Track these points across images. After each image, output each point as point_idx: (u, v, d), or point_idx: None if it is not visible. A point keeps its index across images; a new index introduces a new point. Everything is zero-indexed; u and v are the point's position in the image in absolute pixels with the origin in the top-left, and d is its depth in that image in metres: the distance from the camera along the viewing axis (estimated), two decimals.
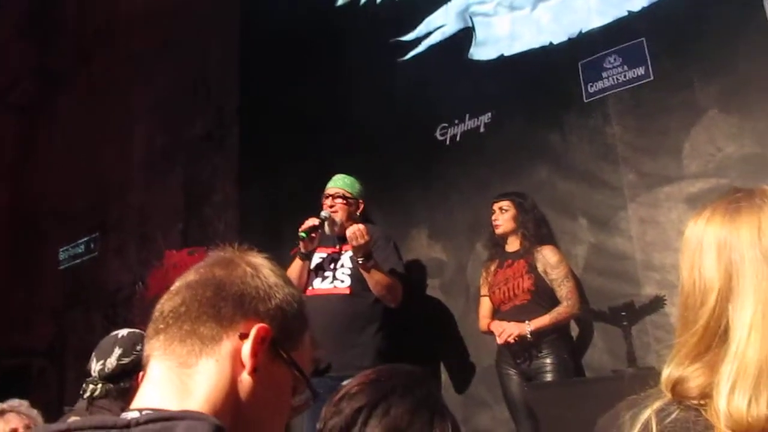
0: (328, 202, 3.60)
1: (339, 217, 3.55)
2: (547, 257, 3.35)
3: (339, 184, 3.66)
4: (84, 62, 7.28)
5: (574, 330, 3.48)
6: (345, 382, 1.30)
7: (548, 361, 3.22)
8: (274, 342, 0.87)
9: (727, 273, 0.92)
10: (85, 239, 6.75)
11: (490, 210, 3.52)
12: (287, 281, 0.94)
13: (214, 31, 5.93)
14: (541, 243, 3.41)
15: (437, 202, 4.20)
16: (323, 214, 3.52)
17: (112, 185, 6.62)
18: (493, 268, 3.53)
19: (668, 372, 0.93)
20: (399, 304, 3.46)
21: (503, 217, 3.46)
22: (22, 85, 8.08)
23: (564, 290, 3.32)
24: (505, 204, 3.47)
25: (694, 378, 0.90)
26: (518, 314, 3.31)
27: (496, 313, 3.45)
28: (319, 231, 3.49)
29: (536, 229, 3.44)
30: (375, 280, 3.38)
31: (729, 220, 0.96)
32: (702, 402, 0.88)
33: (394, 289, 3.43)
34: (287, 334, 0.90)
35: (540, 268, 3.34)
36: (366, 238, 3.32)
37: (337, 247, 3.58)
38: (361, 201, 3.67)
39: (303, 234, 3.42)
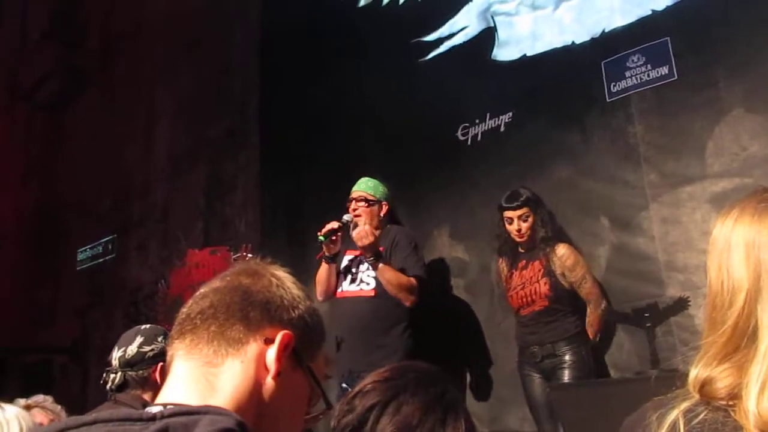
0: (351, 205, 3.64)
1: (362, 220, 3.56)
2: (563, 259, 3.32)
3: (362, 187, 3.69)
4: (109, 61, 7.36)
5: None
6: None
7: (567, 358, 3.22)
8: (295, 351, 0.91)
9: (756, 273, 0.91)
10: (104, 240, 6.83)
11: (500, 215, 3.45)
12: (308, 295, 0.99)
13: (237, 31, 5.97)
14: (555, 241, 3.38)
15: (459, 202, 4.19)
16: (345, 217, 3.57)
17: (135, 184, 6.69)
18: (505, 269, 3.52)
19: (696, 373, 0.93)
20: (414, 304, 3.47)
21: (525, 225, 3.38)
22: (48, 83, 8.18)
23: (584, 291, 3.32)
24: (524, 212, 3.38)
25: (723, 378, 0.89)
26: (538, 319, 3.33)
27: (516, 316, 3.46)
28: (341, 234, 3.52)
29: (552, 229, 3.41)
30: (386, 278, 3.42)
31: (758, 219, 0.94)
32: (731, 403, 0.87)
33: (406, 288, 3.44)
34: (307, 344, 0.94)
35: (557, 271, 3.31)
36: (371, 238, 3.37)
37: None
38: (384, 203, 3.69)
39: (322, 237, 3.46)
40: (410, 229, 3.85)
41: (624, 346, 3.43)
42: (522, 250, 3.46)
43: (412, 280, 3.47)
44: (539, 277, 3.34)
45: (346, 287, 3.59)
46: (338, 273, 3.63)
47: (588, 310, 3.34)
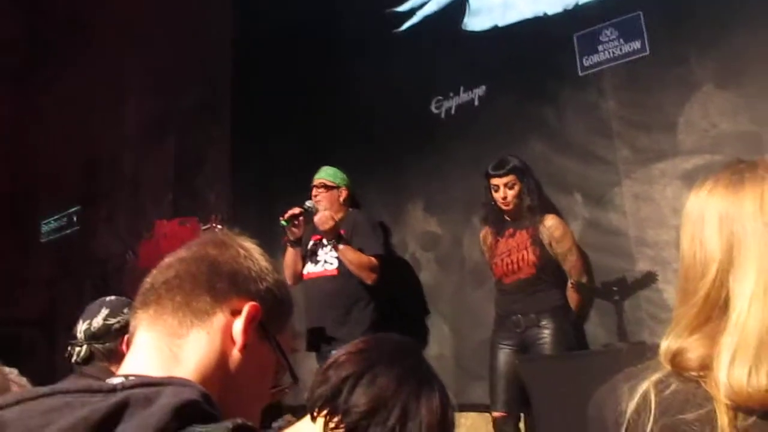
0: (314, 192, 3.84)
1: (322, 205, 3.77)
2: (552, 229, 3.33)
3: (322, 175, 3.90)
4: (77, 30, 7.18)
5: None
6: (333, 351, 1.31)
7: (547, 332, 3.21)
8: (262, 323, 0.89)
9: (729, 244, 0.91)
10: (68, 212, 6.73)
11: (487, 183, 3.45)
12: (275, 267, 0.96)
13: (210, 2, 5.85)
14: (543, 211, 3.39)
15: (432, 176, 4.18)
16: (307, 203, 3.76)
17: (103, 155, 6.58)
18: (490, 237, 3.51)
19: (667, 344, 0.93)
20: (375, 281, 3.64)
21: (512, 192, 3.37)
22: (12, 54, 7.97)
23: (568, 265, 3.34)
24: (510, 179, 3.37)
25: (694, 349, 0.90)
26: (523, 287, 3.32)
27: (498, 284, 3.45)
28: (302, 219, 3.70)
29: (539, 198, 3.42)
30: (347, 259, 3.62)
31: (732, 191, 0.95)
32: (702, 374, 0.88)
33: (367, 267, 3.63)
34: (275, 316, 0.92)
35: (545, 240, 3.32)
36: (331, 223, 3.58)
37: None
38: (344, 188, 3.90)
39: (284, 222, 3.66)
40: (368, 212, 4.04)
41: (591, 320, 3.47)
42: (508, 219, 3.45)
43: (373, 259, 3.66)
44: (528, 245, 3.33)
45: (311, 269, 3.80)
46: (303, 257, 3.83)
47: (569, 283, 3.35)
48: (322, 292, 3.68)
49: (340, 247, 3.61)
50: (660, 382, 0.91)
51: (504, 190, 3.38)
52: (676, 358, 0.91)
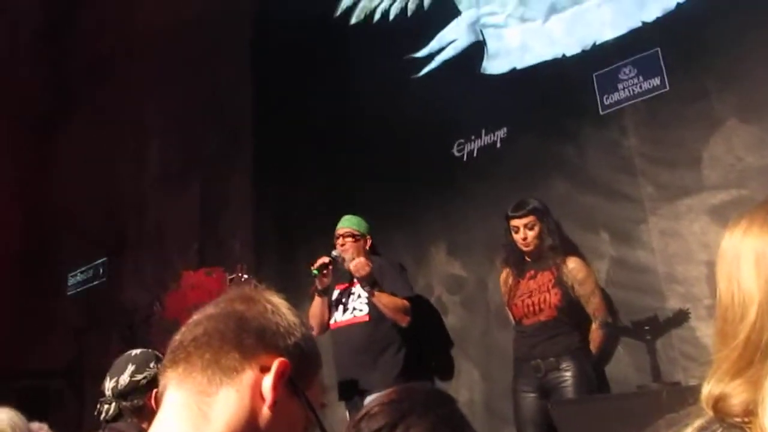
0: (339, 241, 3.84)
1: (349, 254, 3.76)
2: (574, 272, 3.30)
3: (346, 224, 3.90)
4: (99, 80, 7.33)
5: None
6: (369, 398, 1.29)
7: (568, 374, 3.16)
8: (291, 378, 0.89)
9: None
10: (95, 263, 6.79)
11: (507, 225, 3.44)
12: (303, 322, 0.97)
13: (228, 49, 5.96)
14: (565, 253, 3.36)
15: (455, 219, 4.18)
16: (334, 253, 3.78)
17: (127, 204, 6.65)
18: (510, 279, 3.48)
19: (709, 389, 0.90)
20: (409, 323, 3.62)
21: (531, 234, 3.36)
22: (36, 101, 8.15)
23: (592, 306, 3.29)
24: (530, 220, 3.36)
25: (737, 395, 0.87)
26: (543, 330, 3.27)
27: (517, 326, 3.41)
28: (331, 268, 3.71)
29: (560, 239, 3.39)
30: (383, 303, 3.62)
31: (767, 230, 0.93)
32: (746, 420, 0.85)
33: (401, 311, 3.63)
34: (303, 372, 0.92)
35: (568, 282, 3.28)
36: (367, 269, 3.61)
37: (352, 281, 3.79)
38: (368, 237, 3.90)
39: (315, 271, 3.66)
40: (392, 256, 4.06)
41: (622, 360, 3.41)
42: (529, 260, 3.43)
43: (405, 301, 3.65)
44: (550, 287, 3.29)
45: (340, 317, 3.78)
46: (329, 306, 3.83)
47: (593, 325, 3.31)
48: (352, 339, 3.66)
49: (376, 292, 3.61)
50: (703, 428, 0.88)
51: (524, 231, 3.37)
52: (718, 403, 0.88)
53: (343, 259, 3.75)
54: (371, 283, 3.63)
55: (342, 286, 3.83)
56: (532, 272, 3.39)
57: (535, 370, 3.25)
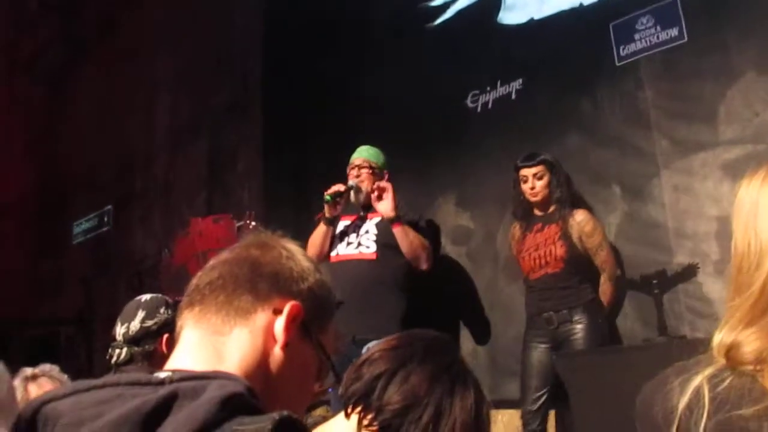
0: (354, 172, 3.64)
1: (365, 186, 3.58)
2: (582, 224, 3.27)
3: (364, 155, 3.69)
4: (108, 31, 7.27)
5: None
6: (368, 345, 1.28)
7: (580, 326, 3.16)
8: (304, 322, 0.91)
9: None
10: (99, 212, 6.83)
11: (516, 176, 3.41)
12: (318, 268, 0.98)
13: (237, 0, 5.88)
14: (573, 206, 3.33)
15: (466, 171, 4.14)
16: (350, 182, 3.57)
17: (137, 154, 6.66)
18: (518, 232, 3.46)
19: (721, 337, 0.89)
20: (429, 268, 3.49)
21: (540, 183, 3.33)
22: (47, 55, 8.11)
23: (600, 259, 3.28)
24: (539, 170, 3.34)
25: (750, 342, 0.86)
26: (550, 282, 3.26)
27: (526, 280, 3.41)
28: (344, 198, 3.53)
29: (569, 192, 3.36)
30: (410, 238, 3.44)
31: None
32: (758, 368, 0.84)
33: (425, 249, 3.48)
34: (317, 316, 0.94)
35: (575, 235, 3.26)
36: (396, 211, 3.41)
37: (363, 215, 3.61)
38: (385, 172, 3.69)
39: (328, 197, 3.46)
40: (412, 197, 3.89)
41: (629, 314, 3.41)
42: (538, 213, 3.40)
43: (427, 243, 3.51)
44: (555, 239, 3.27)
45: (343, 251, 3.56)
46: (332, 238, 3.60)
47: (602, 278, 3.30)
48: (356, 276, 3.39)
49: (403, 225, 3.42)
50: (713, 376, 0.87)
51: (533, 181, 3.34)
52: (730, 351, 0.87)
53: (359, 190, 3.56)
54: (396, 216, 3.43)
55: (351, 218, 3.62)
56: (540, 225, 3.36)
57: (547, 323, 3.24)
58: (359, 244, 3.53)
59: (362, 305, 3.29)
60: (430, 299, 3.65)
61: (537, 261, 3.31)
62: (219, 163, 5.80)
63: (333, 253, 3.58)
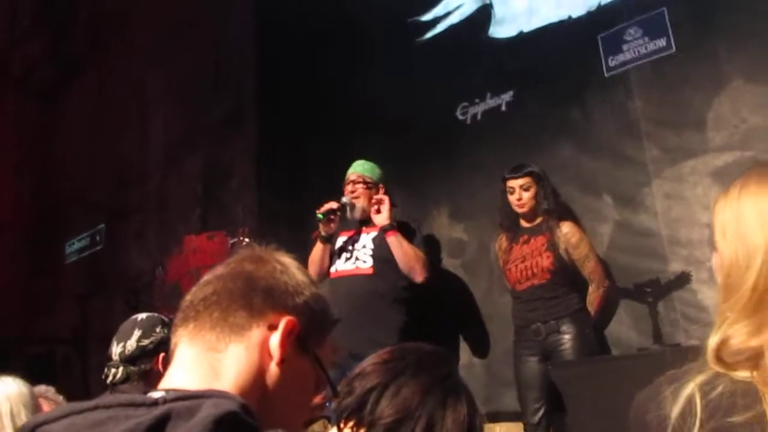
0: (349, 188, 3.64)
1: (360, 202, 3.59)
2: (568, 236, 3.29)
3: (359, 169, 3.69)
4: (100, 47, 7.28)
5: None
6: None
7: (568, 337, 3.17)
8: (300, 337, 0.90)
9: None
10: (91, 232, 6.81)
11: (503, 187, 3.42)
12: (313, 282, 0.98)
13: (231, 13, 5.89)
14: (560, 217, 3.35)
15: (459, 182, 4.16)
16: (344, 199, 3.57)
17: (130, 171, 6.64)
18: (505, 243, 3.47)
19: (713, 340, 0.90)
20: (426, 280, 3.49)
21: (527, 195, 3.35)
22: (39, 72, 8.10)
23: (587, 270, 3.29)
24: (526, 182, 3.35)
25: (738, 335, 0.87)
26: (537, 293, 3.28)
27: (512, 292, 3.41)
28: (338, 214, 3.52)
29: (556, 203, 3.38)
30: (403, 249, 3.43)
31: (765, 188, 0.93)
32: (752, 373, 0.85)
33: (420, 261, 3.46)
34: (313, 331, 0.93)
35: (561, 247, 3.27)
36: (390, 219, 3.44)
37: (359, 230, 3.62)
38: (381, 186, 3.68)
39: (320, 215, 3.46)
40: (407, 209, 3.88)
41: (624, 322, 3.41)
42: (525, 225, 3.42)
43: (424, 256, 3.50)
44: (542, 251, 3.29)
45: (341, 266, 3.57)
46: (332, 254, 3.62)
47: (590, 288, 3.31)
48: (353, 290, 3.43)
49: (398, 235, 3.42)
50: (705, 384, 0.88)
51: (519, 192, 3.36)
52: (720, 349, 0.88)
53: (353, 206, 3.56)
54: (390, 226, 3.44)
55: (348, 233, 3.62)
56: (526, 237, 3.38)
57: (535, 334, 3.26)
58: (356, 259, 3.54)
59: (360, 319, 3.30)
60: (427, 312, 3.65)
61: (523, 272, 3.32)
62: (213, 178, 5.79)
63: (332, 269, 3.60)
